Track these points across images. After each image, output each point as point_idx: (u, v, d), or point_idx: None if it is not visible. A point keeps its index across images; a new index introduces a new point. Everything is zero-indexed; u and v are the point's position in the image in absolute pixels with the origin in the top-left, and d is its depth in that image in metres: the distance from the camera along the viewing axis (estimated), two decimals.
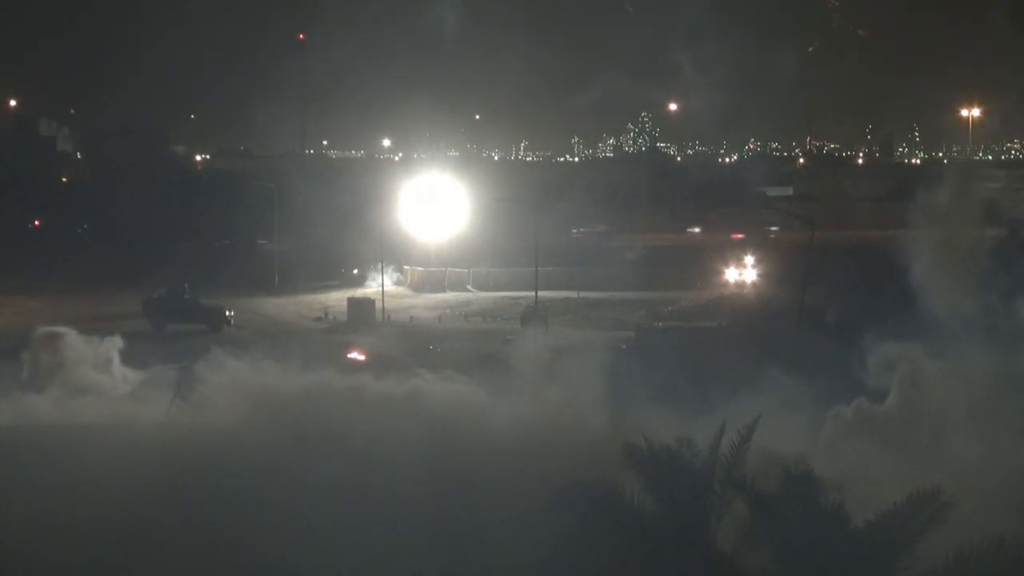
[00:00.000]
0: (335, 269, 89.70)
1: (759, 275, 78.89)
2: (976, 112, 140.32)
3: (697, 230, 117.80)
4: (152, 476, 28.05)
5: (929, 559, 17.16)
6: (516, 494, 24.89)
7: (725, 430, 19.49)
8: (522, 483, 25.27)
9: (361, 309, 73.84)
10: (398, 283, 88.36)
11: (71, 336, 44.22)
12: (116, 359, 43.71)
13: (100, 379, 42.32)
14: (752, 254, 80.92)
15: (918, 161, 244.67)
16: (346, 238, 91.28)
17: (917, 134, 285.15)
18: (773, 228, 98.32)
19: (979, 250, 34.63)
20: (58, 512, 26.25)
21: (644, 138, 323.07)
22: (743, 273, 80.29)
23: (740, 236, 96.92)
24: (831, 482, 18.20)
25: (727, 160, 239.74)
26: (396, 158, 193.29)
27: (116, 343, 44.32)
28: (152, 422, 34.88)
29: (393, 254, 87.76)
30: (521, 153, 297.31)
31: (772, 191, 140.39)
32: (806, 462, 17.99)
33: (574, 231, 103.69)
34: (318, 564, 24.85)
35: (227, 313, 68.64)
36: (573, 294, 79.51)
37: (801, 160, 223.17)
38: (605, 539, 18.82)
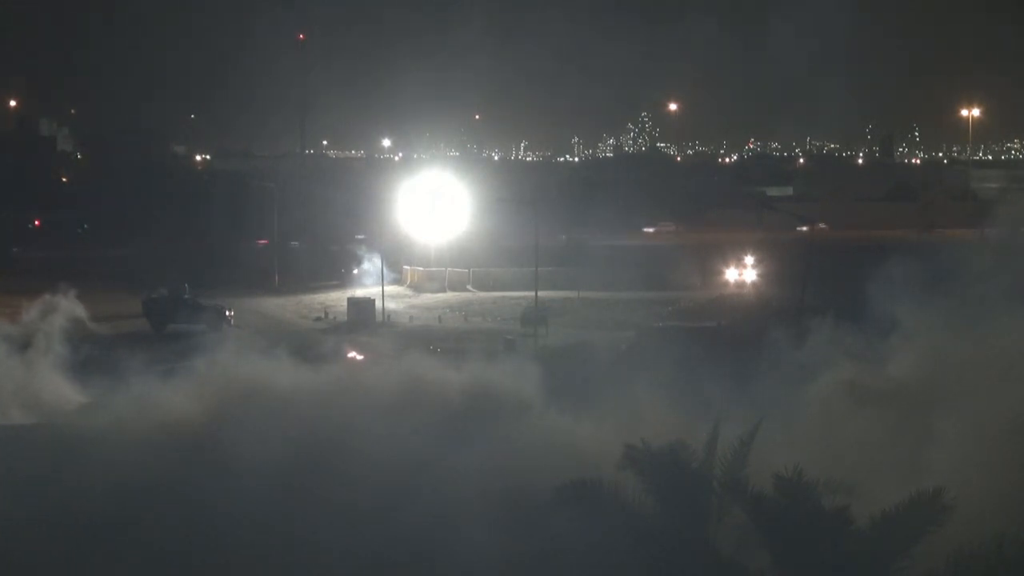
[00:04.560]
0: (335, 269, 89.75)
1: (759, 275, 78.93)
2: (976, 112, 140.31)
3: (651, 230, 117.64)
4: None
5: (928, 559, 17.16)
6: (516, 490, 24.90)
7: (719, 432, 19.46)
8: (521, 480, 25.26)
9: (361, 309, 73.82)
10: (398, 283, 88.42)
11: None
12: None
13: None
14: (752, 254, 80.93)
15: (918, 161, 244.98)
16: (346, 238, 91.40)
17: (917, 134, 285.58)
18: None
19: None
20: None
21: (644, 138, 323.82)
22: (743, 273, 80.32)
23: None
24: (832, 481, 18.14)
25: (727, 160, 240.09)
26: (396, 158, 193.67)
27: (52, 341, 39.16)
28: None
29: (393, 254, 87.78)
30: (521, 153, 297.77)
31: (772, 191, 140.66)
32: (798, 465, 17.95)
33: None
34: (316, 554, 24.92)
35: (227, 313, 68.59)
36: (573, 294, 79.53)
37: (801, 160, 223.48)
38: (604, 539, 18.82)
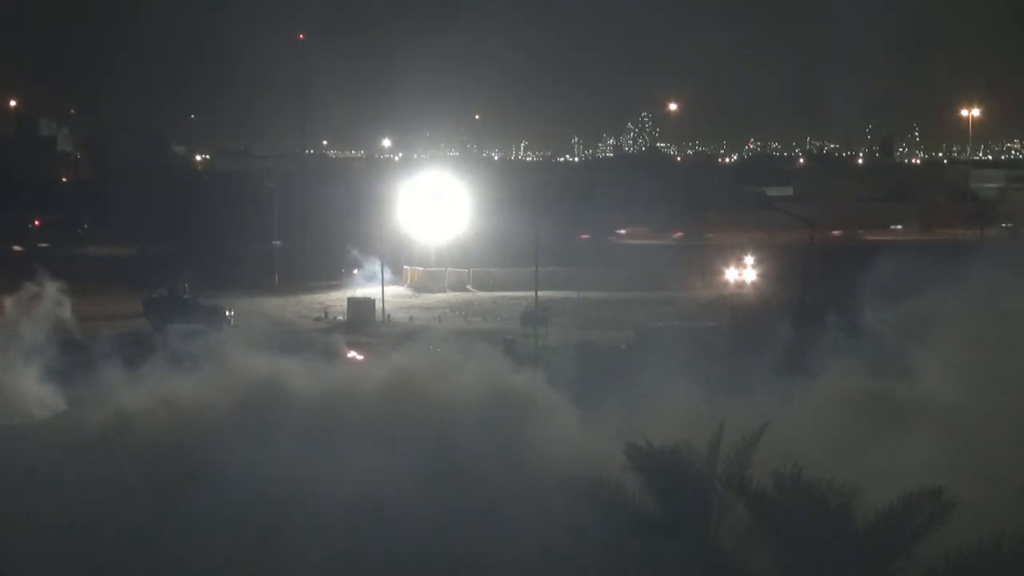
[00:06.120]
0: (335, 269, 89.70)
1: (759, 275, 78.84)
2: (976, 112, 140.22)
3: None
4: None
5: (929, 557, 17.15)
6: (515, 486, 24.90)
7: (722, 431, 19.46)
8: (523, 479, 25.25)
9: (361, 309, 73.84)
10: (399, 283, 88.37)
11: None
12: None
13: None
14: (752, 254, 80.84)
15: (918, 161, 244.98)
16: (346, 238, 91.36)
17: (917, 134, 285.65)
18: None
19: None
20: None
21: (644, 138, 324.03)
22: (743, 273, 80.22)
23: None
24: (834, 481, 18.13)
25: (727, 160, 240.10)
26: (396, 158, 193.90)
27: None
28: None
29: (393, 254, 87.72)
30: (521, 153, 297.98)
31: (772, 191, 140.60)
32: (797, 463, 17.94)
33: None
34: (313, 550, 24.91)
35: (227, 313, 68.54)
36: (573, 294, 79.52)
37: (801, 160, 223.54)
38: (605, 537, 18.81)
